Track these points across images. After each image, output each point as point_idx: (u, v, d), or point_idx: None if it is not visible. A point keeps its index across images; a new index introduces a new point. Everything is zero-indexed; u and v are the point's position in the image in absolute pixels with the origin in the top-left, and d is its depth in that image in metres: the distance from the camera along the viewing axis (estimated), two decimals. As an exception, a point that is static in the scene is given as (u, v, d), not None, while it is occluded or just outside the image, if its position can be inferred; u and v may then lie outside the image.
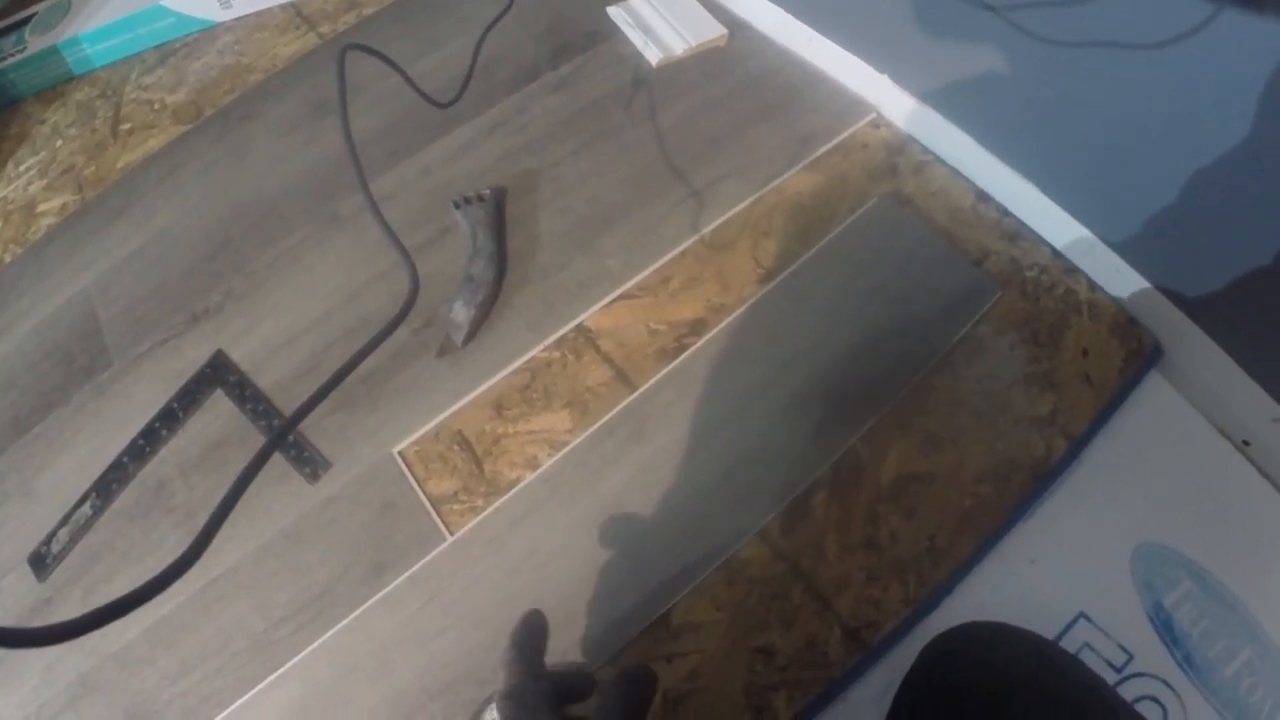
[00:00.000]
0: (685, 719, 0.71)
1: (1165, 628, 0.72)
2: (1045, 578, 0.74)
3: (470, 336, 0.88)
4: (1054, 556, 0.75)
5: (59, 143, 1.18)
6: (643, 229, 0.95)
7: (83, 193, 1.11)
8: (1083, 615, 0.72)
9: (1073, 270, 0.89)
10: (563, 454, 0.82)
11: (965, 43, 0.85)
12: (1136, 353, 0.84)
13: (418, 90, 0.78)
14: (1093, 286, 0.88)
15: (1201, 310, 0.81)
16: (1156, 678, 0.70)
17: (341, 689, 0.76)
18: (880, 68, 0.99)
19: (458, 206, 0.93)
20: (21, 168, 1.17)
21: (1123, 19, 0.69)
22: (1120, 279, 0.86)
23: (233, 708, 0.76)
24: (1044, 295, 0.87)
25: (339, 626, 0.77)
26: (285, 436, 0.58)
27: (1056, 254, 0.90)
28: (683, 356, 0.86)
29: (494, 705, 0.49)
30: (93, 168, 1.13)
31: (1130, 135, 0.76)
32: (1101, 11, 0.71)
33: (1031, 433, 0.80)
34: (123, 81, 1.22)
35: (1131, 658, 0.71)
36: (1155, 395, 0.84)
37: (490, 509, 0.81)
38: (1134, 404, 0.83)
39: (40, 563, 0.86)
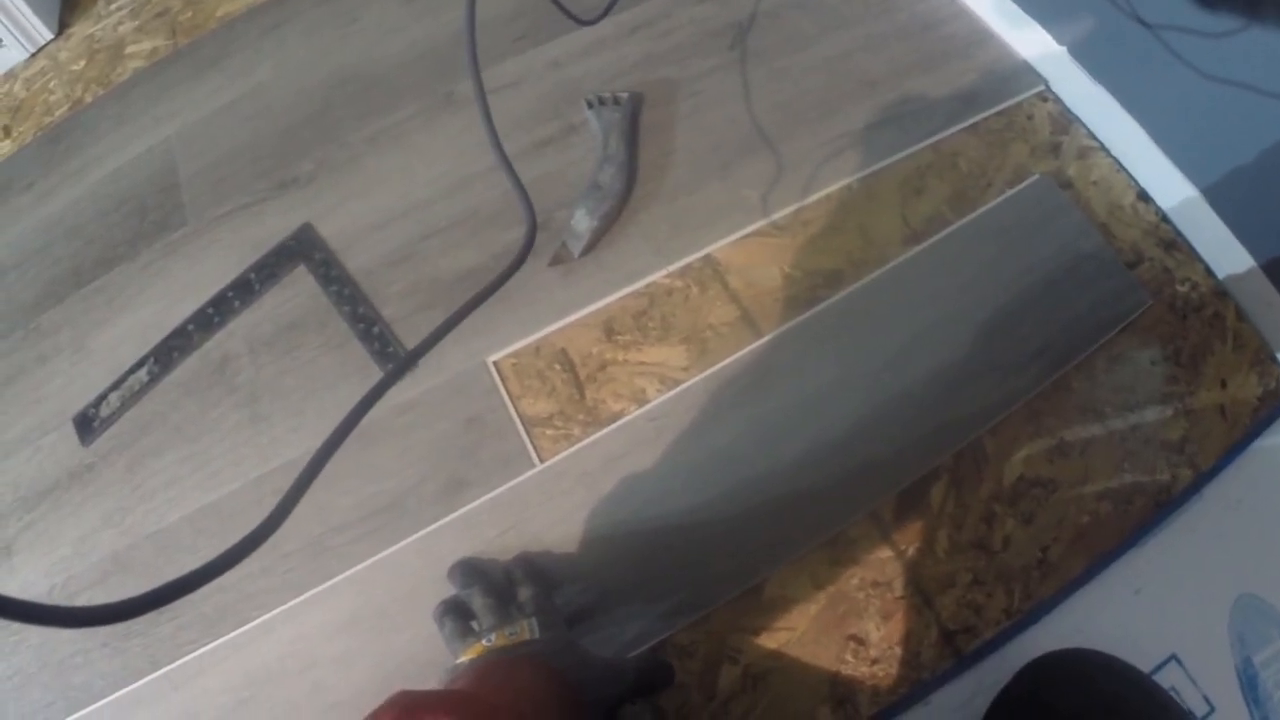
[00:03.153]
0: (762, 697, 0.65)
1: (1250, 686, 0.66)
2: (1146, 611, 0.69)
3: (589, 248, 0.79)
4: (1158, 591, 0.70)
5: (155, -16, 1.09)
6: (786, 163, 0.85)
7: (175, 39, 1.03)
8: (1175, 658, 0.67)
9: (1224, 294, 0.80)
10: (674, 393, 0.74)
11: (1158, 39, 0.76)
12: (1273, 394, 0.76)
13: (556, 3, 0.69)
14: (1241, 315, 0.79)
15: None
16: (1233, 735, 0.65)
17: (396, 612, 0.68)
18: (1059, 37, 0.89)
19: (591, 106, 0.84)
20: (113, 6, 1.10)
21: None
22: (1271, 314, 0.77)
23: (275, 612, 0.69)
24: (1192, 314, 0.79)
25: (404, 543, 0.70)
26: (401, 373, 0.51)
27: (1210, 273, 0.81)
28: (816, 309, 0.77)
29: (534, 618, 0.54)
30: (189, 14, 1.05)
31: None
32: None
33: (1159, 457, 0.73)
34: (230, -71, 1.13)
35: (1213, 710, 0.65)
36: None
37: (587, 440, 0.72)
38: (1261, 447, 0.76)
39: (86, 425, 0.79)
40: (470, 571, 0.65)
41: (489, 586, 0.62)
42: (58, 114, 1.00)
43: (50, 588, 0.74)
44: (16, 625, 0.71)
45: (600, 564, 0.68)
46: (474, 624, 0.58)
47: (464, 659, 0.53)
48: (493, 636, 0.53)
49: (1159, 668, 0.67)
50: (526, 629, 0.53)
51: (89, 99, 1.00)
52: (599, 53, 0.93)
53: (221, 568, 0.30)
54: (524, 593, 0.60)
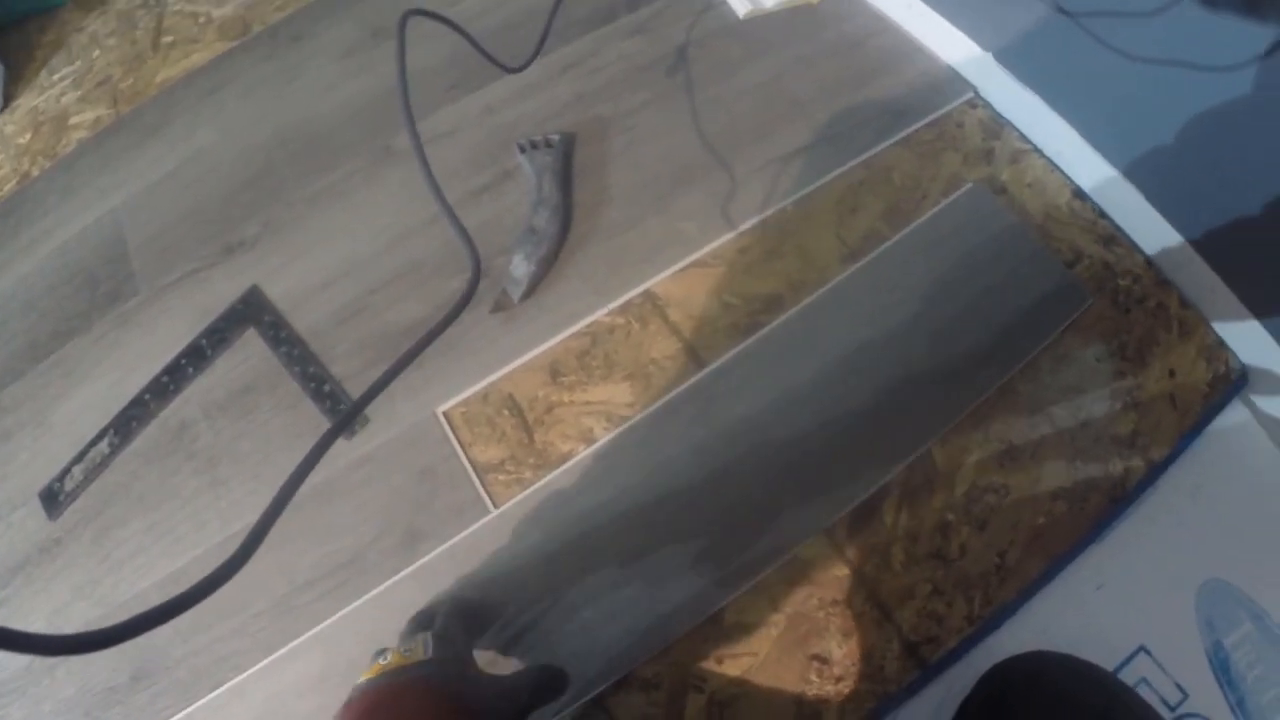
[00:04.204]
0: None
1: (1223, 669, 0.68)
2: (1110, 606, 0.70)
3: (528, 293, 0.80)
4: (1121, 584, 0.71)
5: (96, 53, 1.11)
6: (720, 192, 0.87)
7: (118, 107, 1.04)
8: (1143, 649, 0.69)
9: (1166, 283, 0.82)
10: (622, 429, 0.75)
11: (1082, 28, 0.77)
12: (1223, 378, 0.78)
13: (483, 53, 0.70)
14: (1185, 303, 0.81)
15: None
16: (1208, 720, 0.66)
17: (365, 664, 0.69)
18: (984, 44, 0.90)
19: (523, 150, 0.86)
20: (55, 76, 1.11)
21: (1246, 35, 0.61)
22: (1215, 298, 0.79)
23: (248, 673, 0.70)
24: (1135, 307, 0.80)
25: (367, 597, 0.71)
26: (350, 422, 0.52)
27: (1150, 264, 0.83)
28: (757, 335, 0.79)
29: (429, 636, 0.54)
30: (130, 81, 1.06)
31: (1246, 152, 0.68)
32: (1229, 27, 0.62)
33: (1111, 452, 0.74)
34: (167, -8, 1.15)
35: (1186, 697, 0.67)
36: (1235, 425, 0.78)
37: (539, 483, 0.74)
38: (1214, 432, 0.78)
39: (52, 500, 0.81)
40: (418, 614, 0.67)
41: (414, 617, 0.64)
42: (5, 189, 1.01)
43: (28, 661, 0.75)
44: (3, 702, 0.73)
45: (560, 604, 0.69)
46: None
47: (363, 679, 0.53)
48: (389, 655, 0.53)
49: (1128, 660, 0.68)
50: (421, 648, 0.54)
51: (36, 172, 1.01)
52: (531, 96, 0.94)
53: (183, 606, 0.32)
54: (438, 621, 0.61)
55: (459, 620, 0.62)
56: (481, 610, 0.68)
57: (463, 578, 0.71)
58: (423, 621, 0.64)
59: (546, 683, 0.61)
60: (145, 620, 0.30)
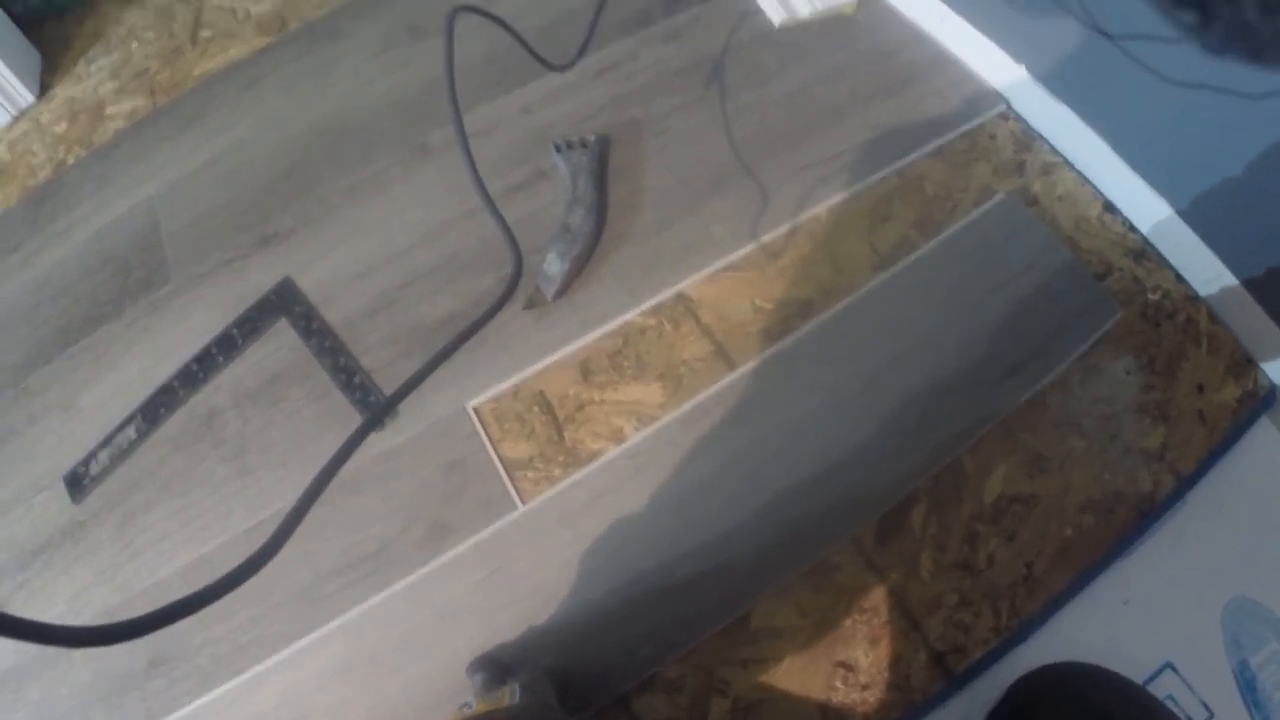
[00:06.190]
0: None
1: (1249, 689, 0.68)
2: (1137, 621, 0.70)
3: (562, 291, 0.81)
4: (1148, 599, 0.70)
5: (134, 45, 1.12)
6: (754, 197, 0.87)
7: (155, 98, 1.05)
8: (1169, 665, 0.68)
9: (1195, 299, 0.82)
10: (652, 429, 0.75)
11: (1121, 49, 0.77)
12: (1251, 395, 0.78)
13: (530, 51, 0.70)
14: (1214, 318, 0.81)
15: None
16: (1234, 739, 0.65)
17: (389, 656, 0.69)
18: (1016, 56, 0.90)
19: (559, 150, 0.86)
20: (93, 67, 1.12)
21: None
22: (1244, 315, 0.79)
23: (269, 662, 0.70)
24: (1164, 321, 0.80)
25: (392, 589, 0.71)
26: (383, 417, 0.52)
27: (1180, 279, 0.83)
28: (788, 339, 0.79)
29: (515, 686, 0.54)
30: (167, 73, 1.07)
31: None
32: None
33: (1140, 466, 0.74)
34: (205, -13, 1.16)
35: (1212, 715, 0.67)
36: (1264, 443, 0.78)
37: (568, 480, 0.74)
38: (1243, 449, 0.77)
39: (77, 484, 0.81)
40: (481, 659, 0.67)
41: (492, 667, 0.64)
42: (41, 176, 1.02)
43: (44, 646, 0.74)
44: (13, 689, 0.73)
45: (586, 602, 0.69)
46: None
47: None
48: (474, 704, 0.54)
49: (1154, 676, 0.68)
50: (507, 695, 0.54)
51: (71, 160, 1.02)
52: (568, 97, 0.95)
53: (205, 600, 0.31)
54: (524, 674, 0.61)
55: (545, 675, 0.63)
56: (570, 672, 0.67)
57: (495, 576, 0.70)
58: (494, 672, 0.64)
59: None
60: (170, 612, 0.29)
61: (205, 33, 1.09)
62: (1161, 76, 0.74)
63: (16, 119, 1.09)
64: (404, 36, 1.03)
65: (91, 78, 1.10)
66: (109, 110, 1.06)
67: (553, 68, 0.73)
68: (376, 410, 0.45)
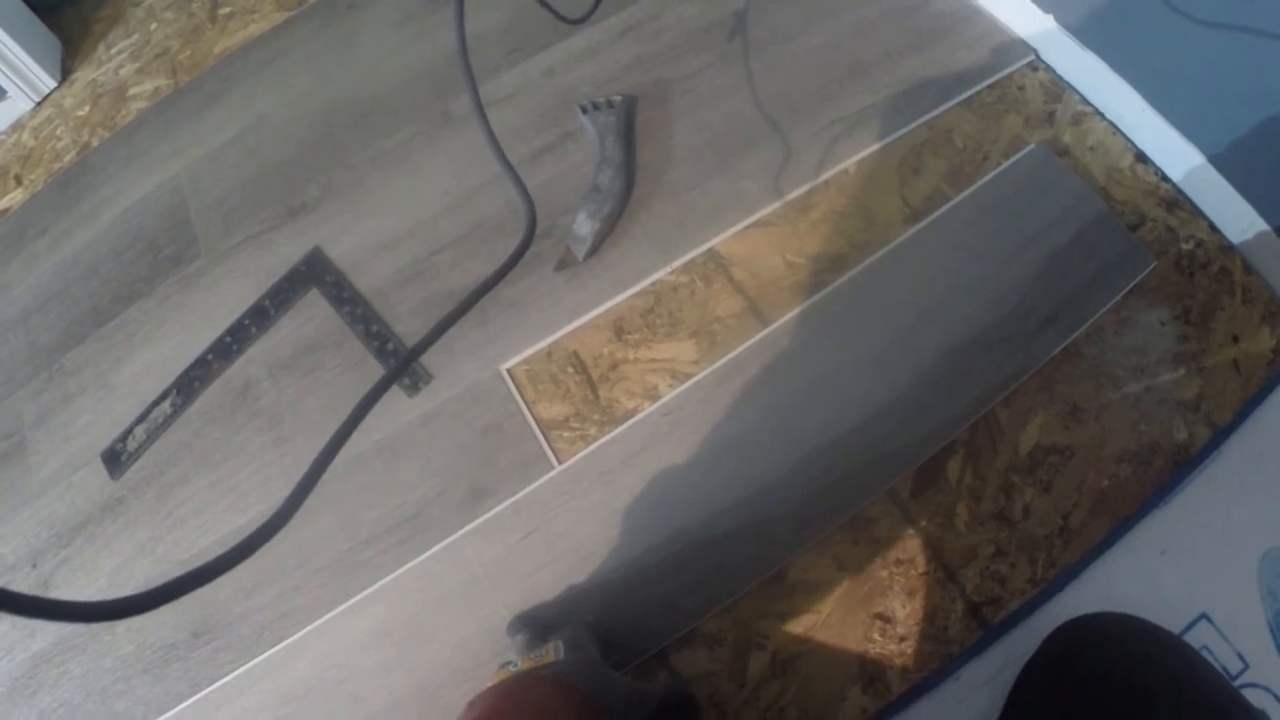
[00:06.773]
0: (792, 681, 0.65)
1: None
2: (1173, 572, 0.69)
3: (593, 251, 0.80)
4: (1184, 550, 0.69)
5: (153, 25, 1.12)
6: (783, 153, 0.86)
7: (176, 77, 1.05)
8: (1205, 616, 0.67)
9: (1229, 248, 0.80)
10: (686, 386, 0.74)
11: None
12: None
13: (543, 3, 0.69)
14: (1248, 268, 0.79)
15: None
16: (1270, 690, 0.65)
17: (429, 619, 0.69)
18: (1045, 6, 0.89)
19: (585, 111, 0.85)
20: (113, 50, 1.12)
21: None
22: (1279, 263, 0.77)
23: (310, 628, 0.70)
24: (1198, 271, 0.79)
25: (430, 552, 0.71)
26: (404, 370, 0.51)
27: (1214, 229, 0.81)
28: (821, 293, 0.78)
29: (559, 641, 0.54)
30: (188, 52, 1.07)
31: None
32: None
33: (1175, 416, 0.73)
34: (222, -34, 1.16)
35: (1247, 667, 0.65)
36: None
37: (604, 439, 0.73)
38: (1278, 400, 0.75)
39: (115, 460, 0.81)
40: (521, 618, 0.67)
41: (533, 626, 0.64)
42: (66, 159, 1.02)
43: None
44: (57, 663, 0.73)
45: (625, 559, 0.68)
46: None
47: (491, 683, 0.53)
48: (519, 662, 0.53)
49: (1189, 627, 0.66)
50: (552, 651, 0.54)
51: (95, 142, 1.02)
52: (592, 58, 0.94)
53: (230, 563, 0.30)
54: (569, 630, 0.60)
55: (588, 631, 0.62)
56: (611, 629, 0.67)
57: (533, 536, 0.70)
58: (535, 632, 0.64)
59: (676, 702, 0.60)
60: (190, 579, 0.28)
61: (224, 10, 1.09)
62: (1193, 19, 0.72)
63: (39, 105, 1.09)
64: (423, 6, 1.02)
65: (112, 60, 1.11)
66: (131, 91, 1.06)
67: (567, 21, 0.72)
68: (394, 369, 0.44)
